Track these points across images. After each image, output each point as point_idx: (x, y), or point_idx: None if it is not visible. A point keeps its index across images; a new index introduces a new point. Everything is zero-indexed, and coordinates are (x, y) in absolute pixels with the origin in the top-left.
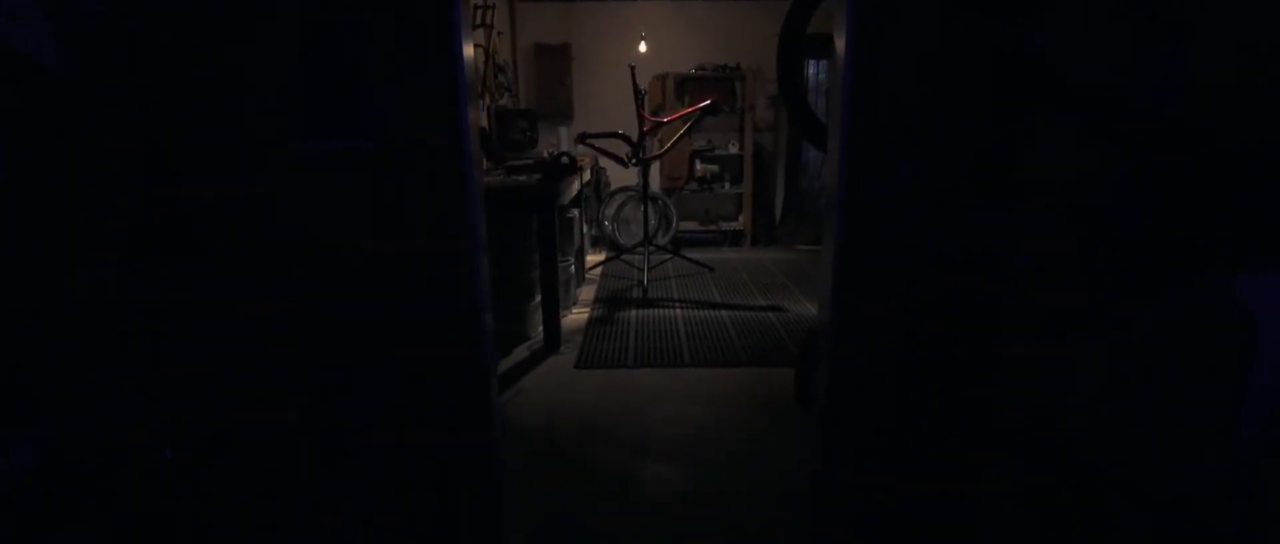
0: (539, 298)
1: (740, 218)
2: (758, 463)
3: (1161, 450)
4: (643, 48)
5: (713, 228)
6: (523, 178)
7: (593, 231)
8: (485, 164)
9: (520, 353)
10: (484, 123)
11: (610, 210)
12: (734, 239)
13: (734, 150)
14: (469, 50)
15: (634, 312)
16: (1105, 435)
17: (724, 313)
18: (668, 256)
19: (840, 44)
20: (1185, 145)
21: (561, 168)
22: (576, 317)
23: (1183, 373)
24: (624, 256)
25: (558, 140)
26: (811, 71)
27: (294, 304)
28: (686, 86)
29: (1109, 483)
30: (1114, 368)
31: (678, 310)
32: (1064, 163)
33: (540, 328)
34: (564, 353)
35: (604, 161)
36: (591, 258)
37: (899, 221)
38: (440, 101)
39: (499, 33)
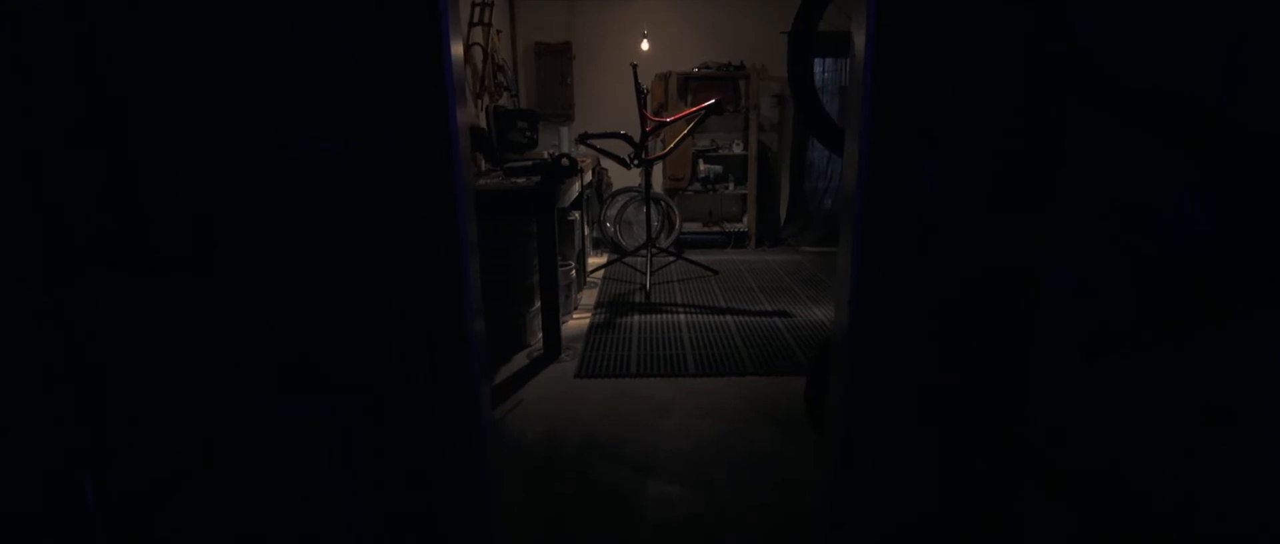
0: (539, 304)
1: (744, 219)
2: (766, 482)
3: (1247, 504)
4: (645, 46)
5: (716, 229)
6: (521, 180)
7: (594, 233)
8: (483, 165)
9: (520, 360)
10: (482, 123)
11: (612, 212)
12: (738, 241)
13: (738, 150)
14: (458, 48)
15: (636, 317)
16: (1171, 479)
17: (729, 318)
18: (671, 260)
19: (860, 40)
20: (1262, 147)
21: (561, 169)
22: (577, 322)
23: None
24: (626, 259)
25: (559, 141)
26: (818, 70)
27: (259, 323)
28: (690, 85)
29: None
30: (1183, 401)
31: (681, 315)
32: (1112, 167)
33: (540, 334)
34: (564, 360)
35: (606, 162)
36: (593, 260)
37: (924, 231)
38: (425, 100)
39: (498, 31)
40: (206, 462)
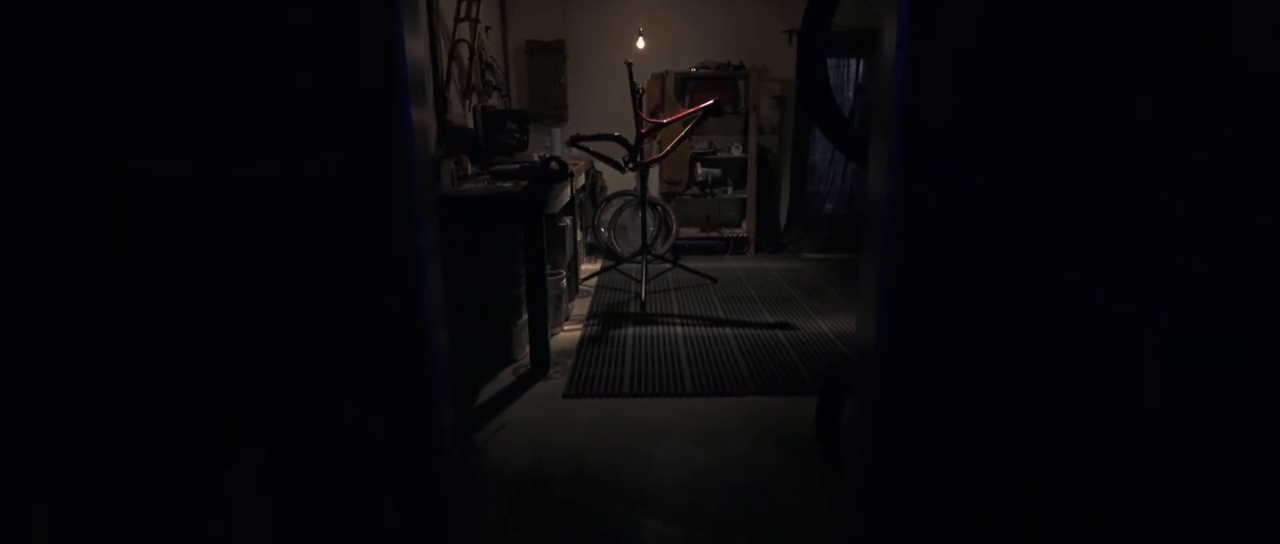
0: (526, 316)
1: (743, 224)
2: (772, 517)
3: None
4: (641, 44)
5: (715, 234)
6: (508, 184)
7: (588, 239)
8: (470, 168)
9: (505, 377)
10: (469, 124)
11: (607, 216)
12: (737, 246)
13: (737, 153)
14: (418, 45)
15: (631, 329)
16: None
17: (728, 331)
18: (667, 267)
19: (891, 37)
20: None
21: (550, 173)
22: (568, 334)
23: None
24: (621, 266)
25: (551, 143)
26: None
27: (176, 346)
28: (687, 86)
29: None
30: None
31: (678, 327)
32: (1204, 183)
33: (528, 349)
34: (553, 377)
35: (600, 165)
36: (587, 267)
37: (964, 254)
38: (370, 97)
39: (487, 28)
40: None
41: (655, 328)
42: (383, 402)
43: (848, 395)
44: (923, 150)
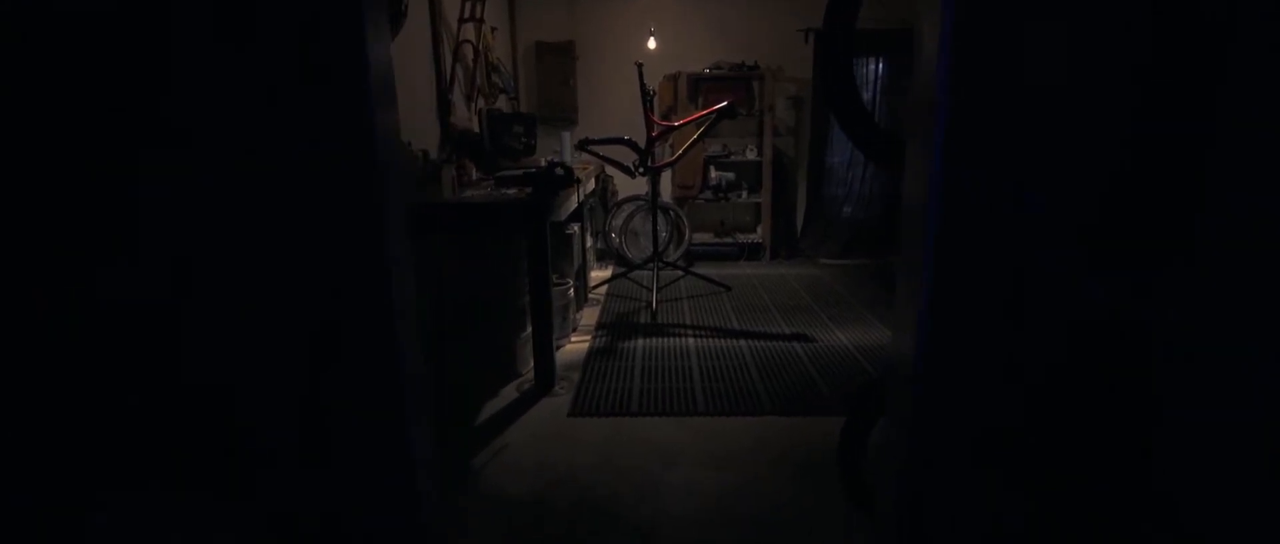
0: (531, 329)
1: (759, 229)
2: None
3: None
4: (652, 44)
5: (729, 240)
6: (512, 191)
7: (599, 244)
8: (474, 174)
9: (508, 393)
10: (475, 127)
11: (618, 221)
12: (752, 252)
13: (752, 156)
14: (382, 52)
15: (640, 340)
16: None
17: (743, 343)
18: (680, 275)
19: (932, 25)
20: None
21: (555, 179)
22: (576, 345)
23: None
24: (632, 274)
25: (561, 147)
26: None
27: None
28: (700, 87)
29: None
30: None
31: (690, 339)
32: None
33: (532, 363)
34: (558, 393)
35: (611, 169)
36: (597, 274)
37: (1020, 275)
38: (335, 103)
39: (493, 28)
40: None
41: (666, 340)
42: (348, 446)
43: (876, 419)
44: (969, 155)
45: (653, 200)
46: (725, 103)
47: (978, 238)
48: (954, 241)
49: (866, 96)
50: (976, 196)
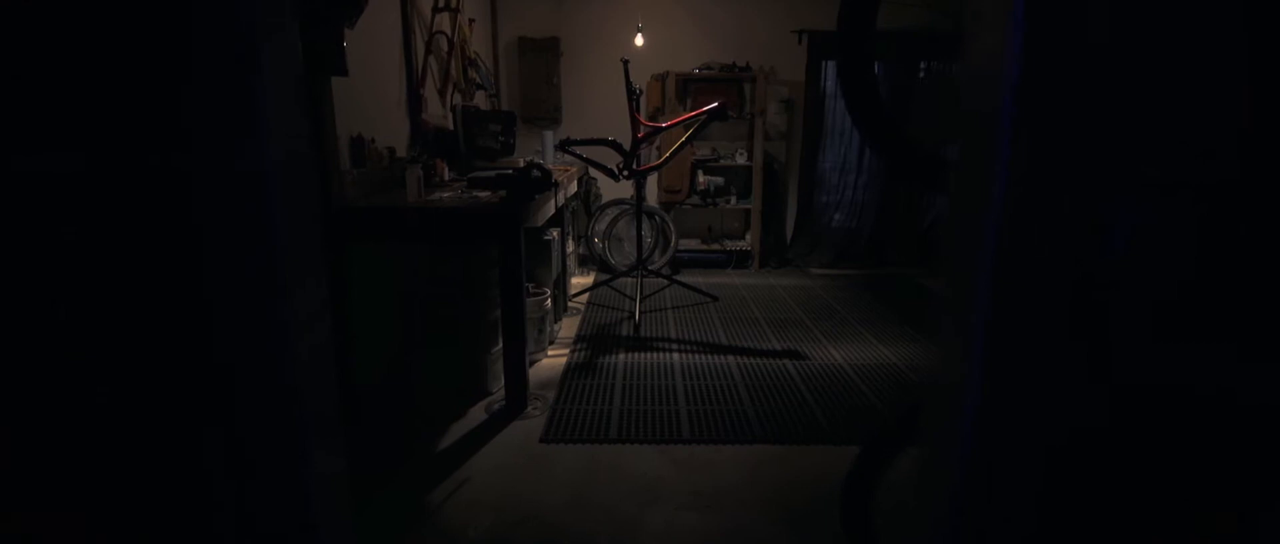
0: (502, 345)
1: (747, 236)
2: None
3: None
4: (640, 41)
5: (716, 248)
6: (484, 194)
7: (581, 249)
8: (447, 174)
9: (476, 414)
10: (449, 125)
11: (601, 226)
12: (740, 261)
13: (742, 160)
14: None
15: (622, 355)
16: None
17: (731, 359)
18: (665, 284)
19: (995, 12)
20: None
21: (531, 182)
22: (553, 360)
23: None
24: (615, 282)
25: (542, 147)
26: (830, 80)
27: None
28: (689, 88)
29: None
30: None
31: (675, 355)
32: None
33: (503, 381)
34: (531, 415)
35: (595, 171)
36: (578, 281)
37: (1097, 317)
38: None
39: (471, 20)
40: None
41: (649, 355)
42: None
43: (893, 457)
44: (1051, 176)
45: (637, 205)
46: (716, 104)
47: (1047, 273)
48: (1026, 297)
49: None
50: (1047, 226)
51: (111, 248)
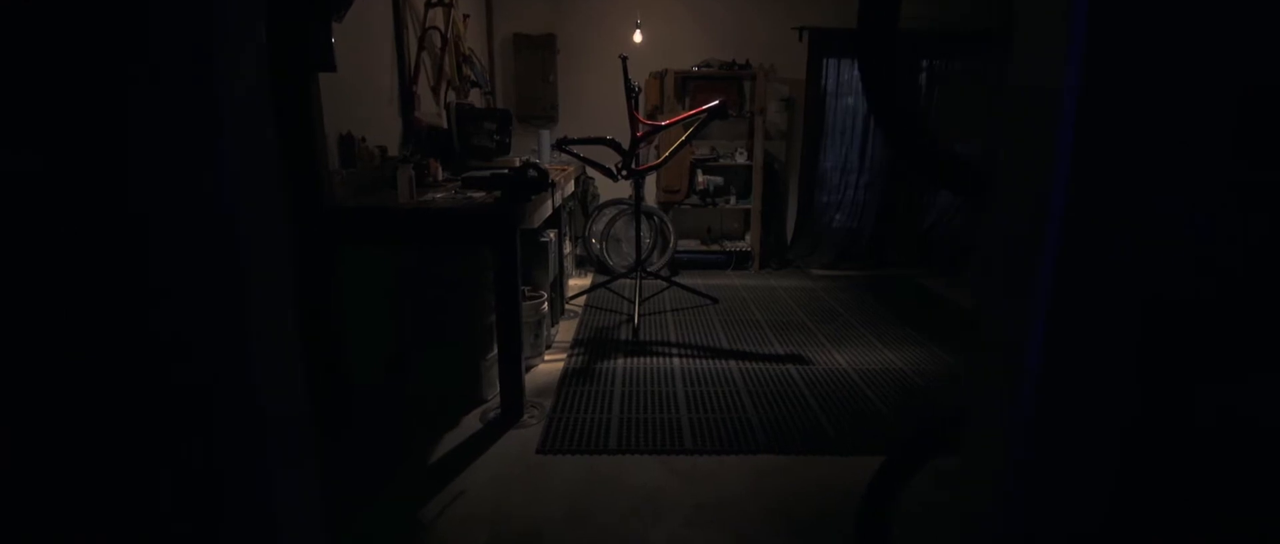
0: (497, 350)
1: (747, 237)
2: None
3: None
4: (638, 38)
5: (716, 248)
6: (479, 195)
7: (578, 250)
8: (440, 174)
9: (471, 423)
10: (443, 123)
11: (598, 227)
12: (740, 261)
13: (742, 160)
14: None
15: (621, 360)
16: None
17: (733, 364)
18: (664, 286)
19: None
20: None
21: (527, 183)
22: (549, 365)
23: None
24: (613, 284)
25: (538, 146)
26: (831, 78)
27: None
28: (688, 86)
29: None
30: None
31: (675, 359)
32: None
33: (498, 388)
34: (527, 424)
35: (592, 170)
36: (575, 282)
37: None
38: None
39: (465, 15)
40: None
41: (649, 360)
42: None
43: (918, 469)
44: (1109, 170)
45: (636, 205)
46: (717, 102)
47: (1114, 292)
48: (1076, 298)
49: (860, 105)
50: (1114, 232)
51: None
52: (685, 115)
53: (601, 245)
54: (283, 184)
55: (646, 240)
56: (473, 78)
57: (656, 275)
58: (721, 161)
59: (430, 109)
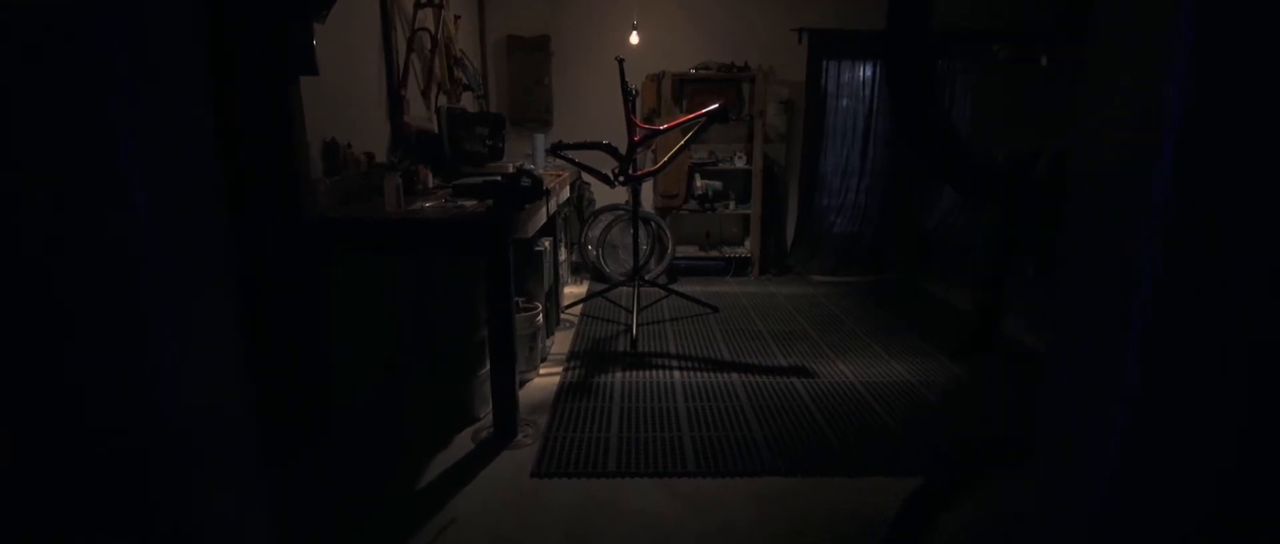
0: (490, 367)
1: (747, 242)
2: None
3: None
4: (634, 39)
5: (715, 254)
6: (470, 203)
7: (574, 257)
8: (431, 181)
9: (462, 443)
10: (434, 127)
11: (594, 233)
12: (739, 268)
13: (741, 164)
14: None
15: (619, 374)
16: None
17: (735, 377)
18: (662, 295)
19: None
20: None
21: (521, 191)
22: (545, 379)
23: None
24: (610, 293)
25: (533, 151)
26: (831, 80)
27: None
28: (686, 89)
29: None
30: None
31: (676, 373)
32: None
33: (491, 406)
34: (522, 444)
35: (588, 175)
36: (571, 291)
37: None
38: None
39: (456, 17)
40: None
41: (648, 373)
42: None
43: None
44: (1218, 186)
45: (634, 211)
46: (717, 105)
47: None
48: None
49: (861, 107)
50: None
51: None
52: (685, 119)
53: (598, 252)
54: (229, 199)
55: (644, 247)
56: (464, 80)
57: (655, 283)
58: (720, 165)
59: (420, 113)
